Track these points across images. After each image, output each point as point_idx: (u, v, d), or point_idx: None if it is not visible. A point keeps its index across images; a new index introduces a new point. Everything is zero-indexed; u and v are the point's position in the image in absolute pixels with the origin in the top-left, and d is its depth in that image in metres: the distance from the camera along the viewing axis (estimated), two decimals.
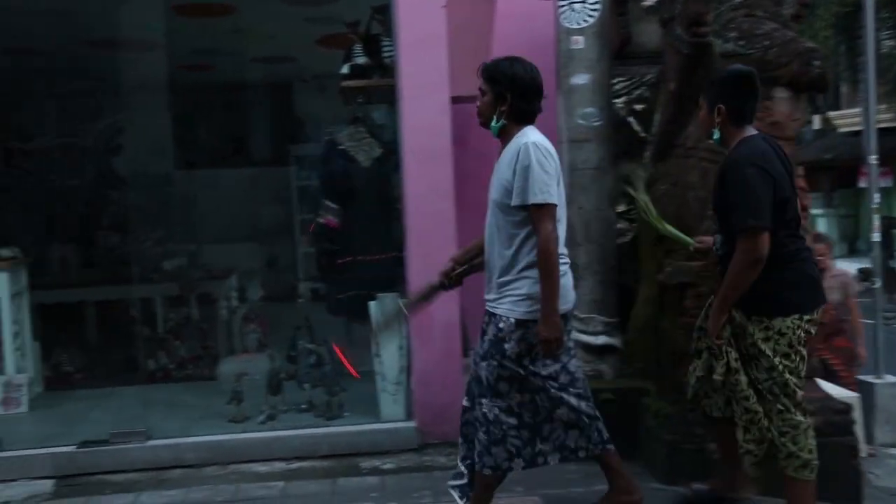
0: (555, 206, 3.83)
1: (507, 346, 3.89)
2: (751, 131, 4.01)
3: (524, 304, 3.86)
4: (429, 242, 5.46)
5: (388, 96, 5.98)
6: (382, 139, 6.36)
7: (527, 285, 3.86)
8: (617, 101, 5.81)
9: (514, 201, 3.84)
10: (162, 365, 7.38)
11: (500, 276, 3.96)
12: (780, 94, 4.73)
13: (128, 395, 6.61)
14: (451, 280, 4.35)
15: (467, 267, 4.33)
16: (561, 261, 3.89)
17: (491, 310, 4.00)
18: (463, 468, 4.14)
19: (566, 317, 4.01)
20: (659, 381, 5.08)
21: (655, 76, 5.76)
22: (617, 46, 5.81)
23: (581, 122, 5.41)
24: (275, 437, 5.61)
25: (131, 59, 9.04)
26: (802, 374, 3.95)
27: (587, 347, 5.43)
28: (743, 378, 3.93)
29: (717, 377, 4.01)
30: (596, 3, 5.33)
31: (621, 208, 5.77)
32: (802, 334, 3.89)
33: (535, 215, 3.80)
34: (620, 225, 5.74)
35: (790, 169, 3.99)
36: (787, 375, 3.87)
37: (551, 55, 5.67)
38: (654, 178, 5.26)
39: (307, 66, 11.27)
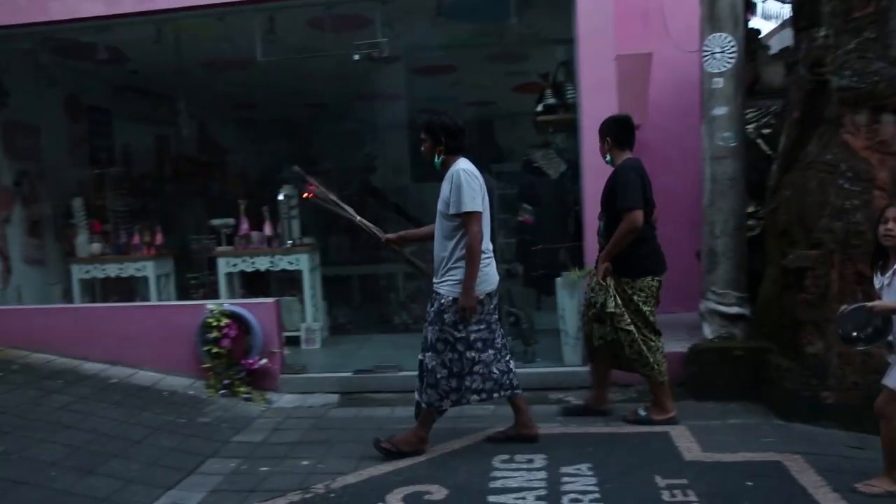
0: (480, 213, 3.99)
1: (446, 316, 4.07)
2: (629, 154, 4.59)
3: (458, 287, 4.01)
4: None
5: (571, 127, 5.93)
6: (565, 158, 6.32)
7: (460, 273, 4.01)
8: (748, 126, 5.58)
9: (451, 210, 4.01)
10: (404, 320, 7.63)
11: (441, 265, 4.12)
12: (887, 118, 4.42)
13: (383, 341, 6.87)
14: (391, 244, 4.67)
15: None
16: (485, 255, 4.05)
17: (435, 289, 4.16)
18: (418, 398, 4.30)
19: (490, 295, 4.15)
20: (780, 342, 4.83)
21: (779, 107, 5.48)
22: (748, 84, 5.54)
23: (720, 143, 5.17)
24: None
25: (383, 107, 9.44)
26: (655, 313, 4.52)
27: (723, 316, 5.20)
28: (626, 314, 4.44)
29: (610, 310, 4.42)
30: (733, 52, 5.08)
31: (750, 209, 5.51)
32: (654, 288, 4.49)
33: (465, 220, 3.97)
34: (750, 222, 5.48)
35: (648, 181, 4.50)
36: (647, 314, 4.48)
37: (696, 92, 5.47)
38: (779, 186, 5.00)
39: (504, 107, 11.39)
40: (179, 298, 7.00)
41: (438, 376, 4.14)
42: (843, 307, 3.44)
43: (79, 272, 6.86)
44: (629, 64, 5.64)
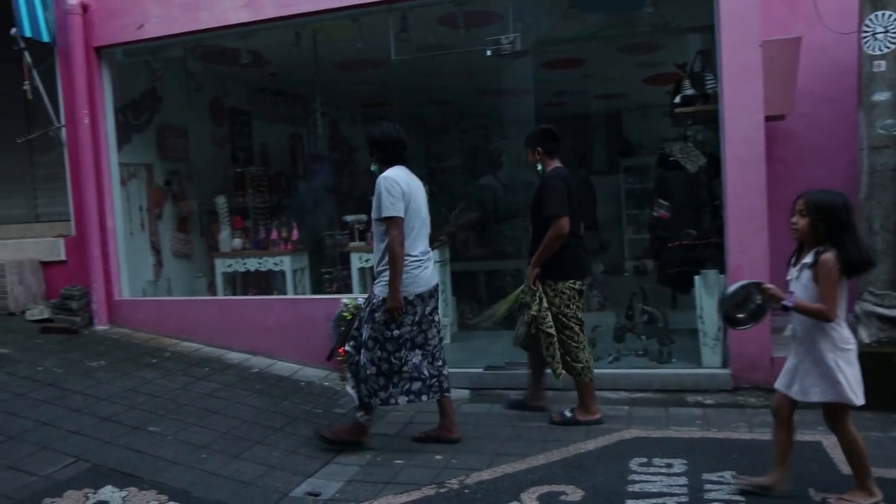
0: (399, 218, 4.18)
1: (377, 315, 4.25)
2: (558, 163, 4.81)
3: (388, 288, 4.18)
4: (744, 231, 5.11)
5: (710, 118, 5.66)
6: (704, 151, 6.04)
7: (389, 274, 4.19)
8: None
9: (374, 215, 4.28)
10: None
11: (376, 267, 4.38)
12: None
13: (512, 337, 6.80)
14: None
15: None
16: (415, 258, 4.27)
17: (372, 289, 4.38)
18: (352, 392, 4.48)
19: (422, 297, 4.29)
20: None
21: None
22: None
23: (881, 131, 4.77)
24: (620, 374, 5.54)
25: (510, 103, 9.39)
26: (579, 314, 4.75)
27: (883, 318, 4.82)
28: (549, 316, 4.66)
29: (532, 312, 4.69)
30: None
31: None
32: (575, 293, 4.73)
33: (387, 224, 4.20)
34: None
35: (573, 190, 4.72)
36: (570, 316, 4.70)
37: (847, 77, 5.09)
38: None
39: (634, 99, 11.08)
40: (313, 292, 7.26)
41: (367, 373, 4.30)
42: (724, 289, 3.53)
43: (222, 266, 7.26)
44: (776, 50, 5.30)
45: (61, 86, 6.71)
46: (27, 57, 6.41)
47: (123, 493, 3.65)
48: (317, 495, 3.83)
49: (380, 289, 4.26)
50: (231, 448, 4.36)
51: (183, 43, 6.80)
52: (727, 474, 3.74)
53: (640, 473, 3.84)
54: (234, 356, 6.12)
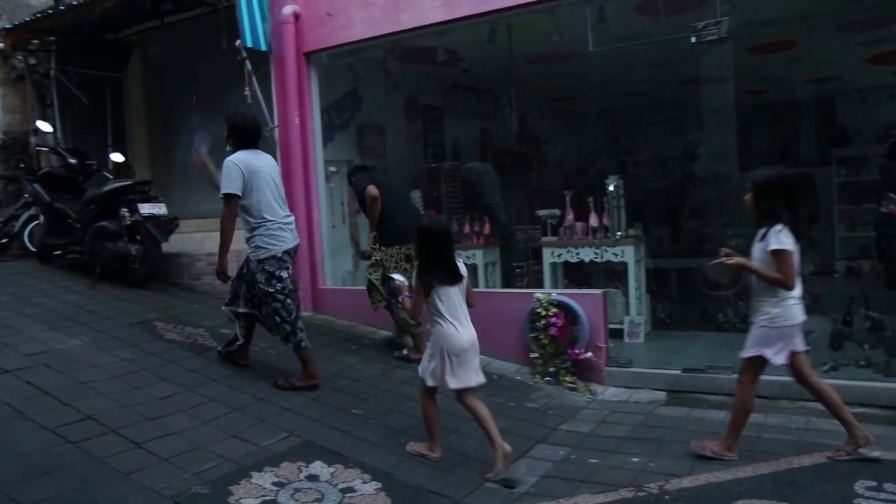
0: (232, 195, 4.77)
1: (258, 276, 4.90)
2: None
3: (255, 252, 4.89)
4: None
5: None
6: None
7: (256, 241, 4.88)
8: None
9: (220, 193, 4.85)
10: (729, 318, 7.13)
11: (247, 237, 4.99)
12: None
13: (710, 339, 6.51)
14: None
15: None
16: (279, 222, 4.90)
17: (248, 255, 5.00)
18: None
19: (289, 253, 4.97)
20: None
21: None
22: None
23: None
24: (838, 385, 5.02)
25: (707, 91, 8.93)
26: (404, 275, 4.92)
27: None
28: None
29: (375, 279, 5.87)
30: None
31: None
32: (402, 256, 5.75)
33: (224, 201, 4.83)
34: None
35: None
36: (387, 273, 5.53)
37: None
38: None
39: (851, 82, 10.09)
40: (504, 286, 7.32)
41: (276, 321, 4.98)
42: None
43: None
44: None
45: (275, 90, 7.27)
46: (248, 65, 7.01)
47: (332, 469, 3.88)
48: (512, 488, 3.86)
49: (252, 254, 4.93)
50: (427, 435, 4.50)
51: (383, 44, 7.13)
52: None
53: (868, 499, 3.49)
54: None
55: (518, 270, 7.19)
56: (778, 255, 3.68)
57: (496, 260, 7.42)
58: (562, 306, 5.63)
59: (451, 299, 3.99)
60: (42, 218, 7.79)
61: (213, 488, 3.55)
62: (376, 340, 6.43)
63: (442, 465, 4.10)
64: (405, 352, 5.91)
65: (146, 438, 4.01)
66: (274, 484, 3.64)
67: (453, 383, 3.99)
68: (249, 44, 6.90)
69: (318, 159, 7.27)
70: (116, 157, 8.13)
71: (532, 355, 5.72)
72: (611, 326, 6.31)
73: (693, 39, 5.50)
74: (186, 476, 3.65)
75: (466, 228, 7.32)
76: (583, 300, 5.71)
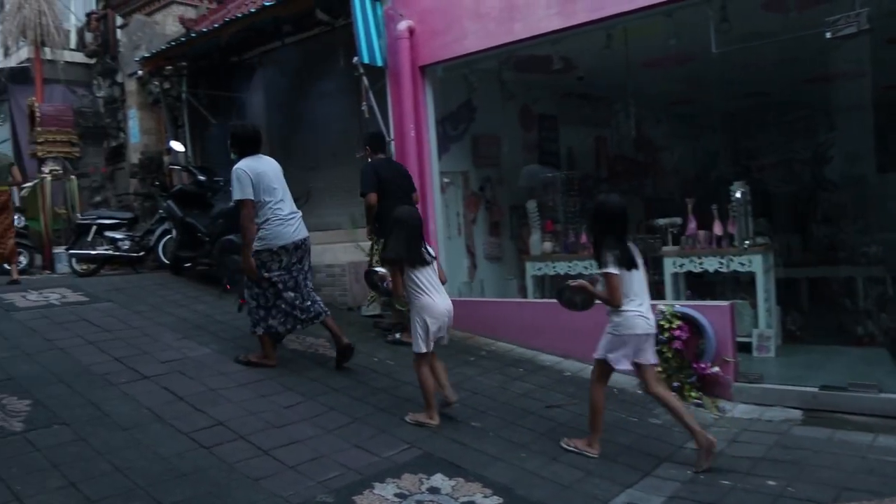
0: (247, 200, 5.20)
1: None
2: (381, 156, 6.48)
3: (256, 243, 5.28)
4: None
5: None
6: None
7: (259, 234, 5.29)
8: None
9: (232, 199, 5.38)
10: (869, 331, 6.63)
11: None
12: None
13: (849, 353, 6.09)
14: None
15: None
16: (283, 218, 5.30)
17: None
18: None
19: (286, 248, 5.34)
20: None
21: None
22: None
23: None
24: None
25: (839, 88, 8.39)
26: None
27: None
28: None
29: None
30: None
31: None
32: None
33: (239, 206, 5.25)
34: None
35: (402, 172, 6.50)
36: None
37: None
38: None
39: None
40: None
41: (251, 306, 5.41)
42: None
43: (532, 269, 7.44)
44: None
45: (391, 103, 7.39)
46: (365, 81, 7.17)
47: (452, 483, 3.86)
48: None
49: (255, 244, 5.32)
50: (548, 449, 4.41)
51: (498, 55, 7.10)
52: None
53: None
54: (547, 358, 6.23)
55: None
56: (604, 276, 4.24)
57: None
58: (686, 318, 5.40)
59: (429, 277, 4.72)
60: (174, 232, 8.25)
61: (338, 497, 3.60)
62: (495, 352, 6.39)
63: (564, 480, 4.00)
64: (398, 335, 6.29)
65: (273, 446, 4.13)
66: (396, 495, 3.66)
67: (418, 347, 4.67)
68: (366, 60, 7.06)
69: (434, 171, 7.32)
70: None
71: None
72: (738, 340, 6.01)
73: (828, 35, 5.16)
74: (311, 484, 3.73)
75: (583, 238, 7.17)
76: (708, 312, 5.46)
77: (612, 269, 4.18)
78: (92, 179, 12.03)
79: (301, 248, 5.44)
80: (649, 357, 4.30)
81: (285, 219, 5.34)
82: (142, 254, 9.19)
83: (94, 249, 9.16)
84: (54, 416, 4.25)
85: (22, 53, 12.66)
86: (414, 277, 4.67)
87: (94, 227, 9.24)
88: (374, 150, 6.50)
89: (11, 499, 3.34)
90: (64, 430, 4.10)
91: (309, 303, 5.50)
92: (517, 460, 4.22)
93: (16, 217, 10.07)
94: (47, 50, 11.55)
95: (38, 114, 10.91)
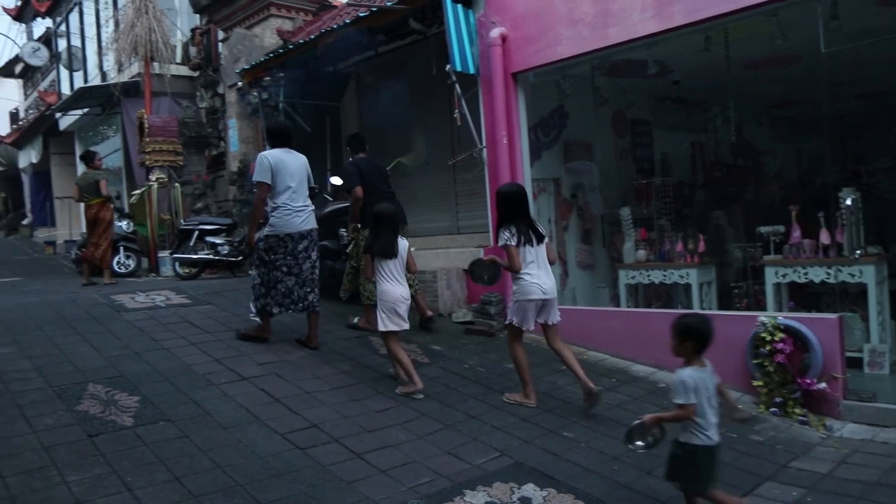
0: (263, 183, 5.74)
1: (260, 244, 5.88)
2: (362, 155, 6.91)
3: (266, 229, 5.87)
4: None
5: None
6: None
7: (270, 220, 5.82)
8: None
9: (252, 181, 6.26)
10: None
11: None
12: None
13: None
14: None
15: None
16: (293, 209, 5.80)
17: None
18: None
19: (292, 236, 5.84)
20: None
21: None
22: None
23: None
24: None
25: None
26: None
27: None
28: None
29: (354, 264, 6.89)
30: None
31: None
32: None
33: (256, 187, 5.91)
34: None
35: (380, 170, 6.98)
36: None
37: None
38: None
39: None
40: (720, 307, 6.88)
41: (254, 283, 5.97)
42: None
43: (625, 277, 7.29)
44: None
45: (483, 111, 7.42)
46: (457, 88, 7.22)
47: (544, 493, 3.81)
48: None
49: (265, 229, 5.88)
50: (641, 462, 4.29)
51: (591, 60, 7.01)
52: None
53: None
54: (640, 368, 6.09)
55: (736, 291, 6.71)
56: (504, 248, 5.03)
57: (712, 280, 6.98)
58: (790, 331, 5.16)
59: (391, 267, 5.32)
60: None
61: (429, 503, 3.62)
62: (586, 361, 6.27)
63: (659, 496, 3.89)
64: (356, 320, 6.75)
65: (365, 449, 4.20)
66: None
67: (382, 326, 5.24)
68: (458, 67, 7.11)
69: (526, 178, 7.29)
70: (335, 181, 8.72)
71: (755, 383, 5.29)
72: (848, 355, 5.70)
73: None
74: (403, 489, 3.76)
75: (679, 246, 6.97)
76: (815, 325, 5.19)
77: (510, 242, 4.97)
78: (194, 187, 12.59)
79: (307, 237, 5.93)
80: (550, 318, 5.17)
81: (295, 209, 5.84)
82: (240, 258, 9.56)
83: (196, 254, 9.58)
84: (160, 413, 4.46)
85: (133, 69, 13.38)
86: (380, 267, 5.30)
87: (195, 233, 9.68)
88: (354, 149, 6.96)
89: (123, 489, 3.53)
90: (169, 426, 4.30)
91: (307, 291, 5.98)
92: (610, 472, 4.14)
93: (125, 222, 10.67)
94: (156, 65, 12.14)
95: (146, 125, 11.50)
